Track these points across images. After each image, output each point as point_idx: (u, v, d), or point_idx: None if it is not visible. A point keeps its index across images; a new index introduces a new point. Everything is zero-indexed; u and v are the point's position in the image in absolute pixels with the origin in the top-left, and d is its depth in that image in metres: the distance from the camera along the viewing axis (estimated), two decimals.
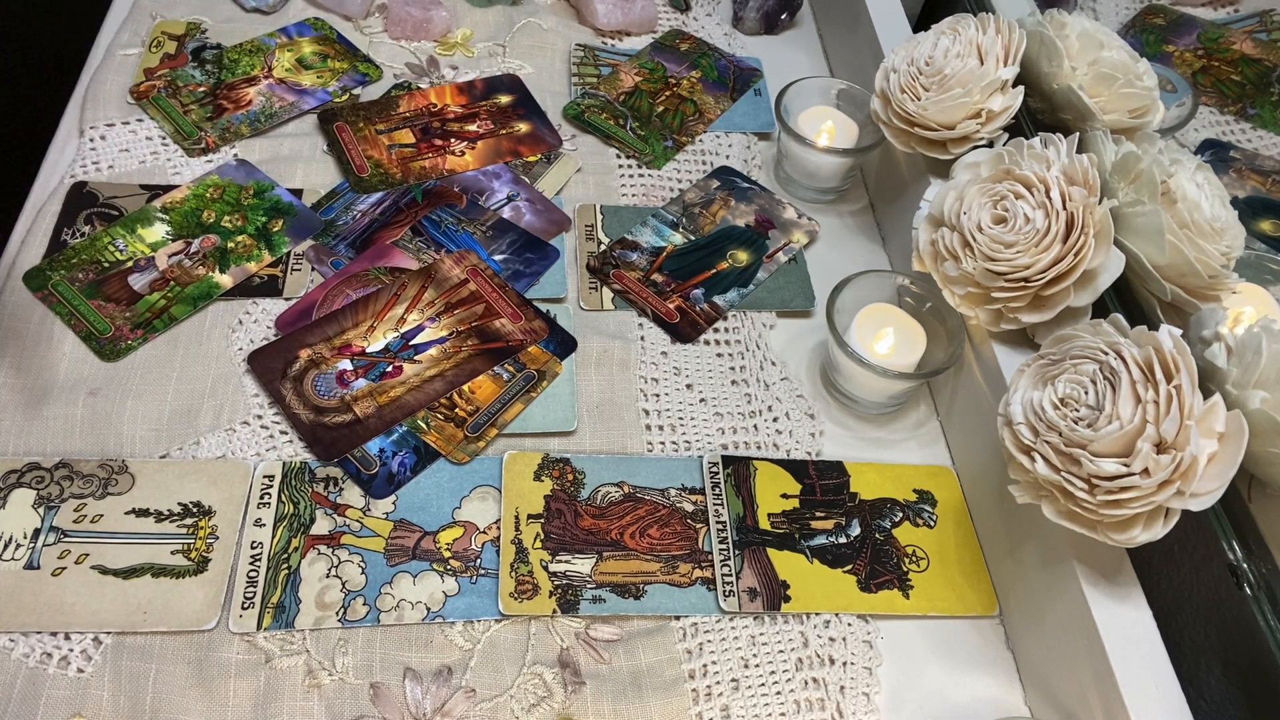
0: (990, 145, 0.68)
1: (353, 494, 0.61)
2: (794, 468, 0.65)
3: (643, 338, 0.71)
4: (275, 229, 0.73)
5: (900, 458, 0.68)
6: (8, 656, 0.53)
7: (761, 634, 0.58)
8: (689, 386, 0.69)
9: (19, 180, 0.80)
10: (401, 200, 0.77)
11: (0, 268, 0.69)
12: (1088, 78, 0.66)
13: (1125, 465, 0.47)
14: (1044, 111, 0.71)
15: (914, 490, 0.65)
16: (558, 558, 0.59)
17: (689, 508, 0.62)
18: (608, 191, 0.81)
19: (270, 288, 0.70)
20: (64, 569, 0.55)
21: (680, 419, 0.67)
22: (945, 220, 0.63)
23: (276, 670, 0.53)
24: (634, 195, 0.81)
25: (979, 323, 0.63)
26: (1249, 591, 0.50)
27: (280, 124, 0.81)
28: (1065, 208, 0.57)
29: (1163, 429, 0.46)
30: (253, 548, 0.58)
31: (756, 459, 0.65)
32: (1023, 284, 0.59)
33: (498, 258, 0.74)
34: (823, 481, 0.65)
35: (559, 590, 0.58)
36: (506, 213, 0.77)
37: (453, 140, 0.82)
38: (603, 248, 0.76)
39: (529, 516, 0.61)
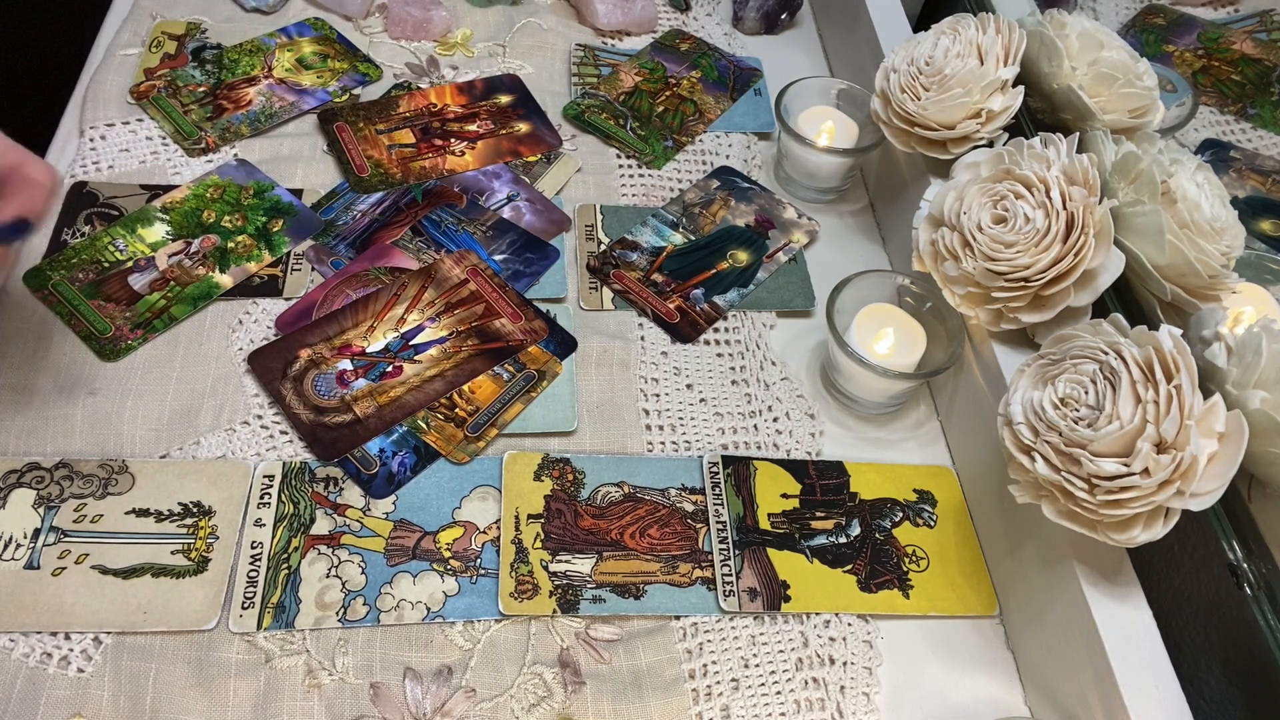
0: (990, 145, 0.68)
1: (353, 494, 0.61)
2: (794, 468, 0.65)
3: (643, 338, 0.71)
4: (275, 229, 0.73)
5: (900, 458, 0.68)
6: (8, 656, 0.53)
7: (761, 634, 0.58)
8: (689, 386, 0.69)
9: None
10: (401, 200, 0.77)
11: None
12: (1088, 78, 0.66)
13: (1125, 465, 0.47)
14: (1044, 111, 0.71)
15: (914, 490, 0.65)
16: (558, 558, 0.59)
17: (689, 508, 0.62)
18: (608, 191, 0.81)
19: (270, 288, 0.70)
20: (64, 569, 0.55)
21: (680, 419, 0.67)
22: (945, 220, 0.63)
23: (276, 670, 0.53)
24: (634, 195, 0.81)
25: (979, 323, 0.63)
26: (1249, 591, 0.50)
27: (280, 124, 0.81)
28: (1065, 208, 0.57)
29: (1163, 429, 0.46)
30: (253, 548, 0.58)
31: (756, 459, 0.65)
32: (1023, 284, 0.59)
33: (498, 258, 0.74)
34: (823, 481, 0.65)
35: (559, 590, 0.58)
36: (506, 213, 0.77)
37: (453, 140, 0.82)
38: (603, 248, 0.76)
39: (529, 516, 0.61)
